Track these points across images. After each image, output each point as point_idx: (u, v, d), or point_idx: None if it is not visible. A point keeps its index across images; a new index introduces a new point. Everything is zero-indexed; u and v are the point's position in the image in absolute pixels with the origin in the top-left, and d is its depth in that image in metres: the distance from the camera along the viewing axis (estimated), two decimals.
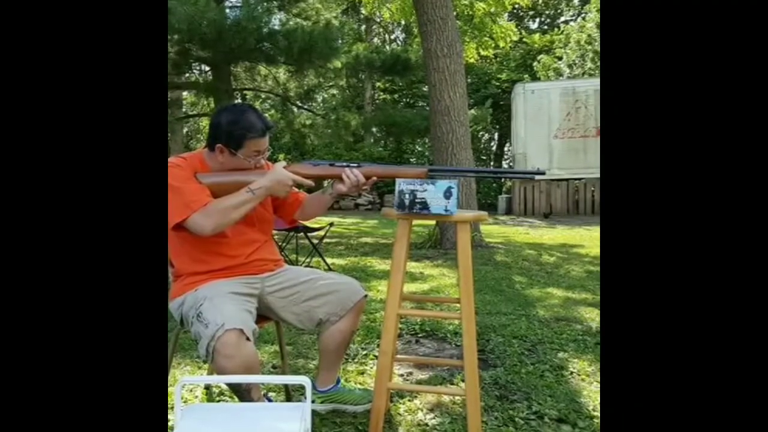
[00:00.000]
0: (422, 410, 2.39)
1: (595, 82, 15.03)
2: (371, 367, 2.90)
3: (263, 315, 2.23)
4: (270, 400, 2.34)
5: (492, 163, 24.62)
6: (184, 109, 14.60)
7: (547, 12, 26.51)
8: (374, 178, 2.13)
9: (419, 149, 21.72)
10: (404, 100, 23.05)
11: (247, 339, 1.84)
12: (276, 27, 10.25)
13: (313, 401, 2.21)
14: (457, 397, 2.46)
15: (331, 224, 6.79)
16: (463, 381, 2.22)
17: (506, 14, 20.34)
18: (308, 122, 12.49)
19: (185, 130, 19.69)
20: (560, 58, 20.85)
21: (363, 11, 20.97)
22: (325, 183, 2.30)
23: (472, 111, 12.37)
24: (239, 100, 13.70)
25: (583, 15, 23.85)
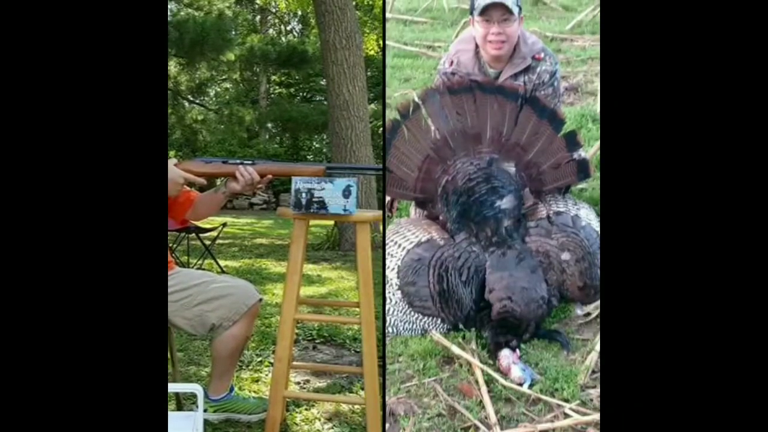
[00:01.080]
0: (320, 419, 2.33)
1: None
2: (266, 375, 2.81)
3: None
4: None
5: None
6: None
7: None
8: (269, 176, 2.06)
9: (317, 146, 21.60)
10: (301, 94, 22.80)
11: None
12: None
13: (205, 410, 2.13)
14: (356, 406, 2.41)
15: (224, 224, 6.63)
16: (362, 389, 2.20)
17: None
18: (200, 117, 12.29)
19: None
20: None
21: (258, 1, 20.68)
22: (218, 181, 2.22)
23: (372, 106, 12.43)
24: None
25: None
